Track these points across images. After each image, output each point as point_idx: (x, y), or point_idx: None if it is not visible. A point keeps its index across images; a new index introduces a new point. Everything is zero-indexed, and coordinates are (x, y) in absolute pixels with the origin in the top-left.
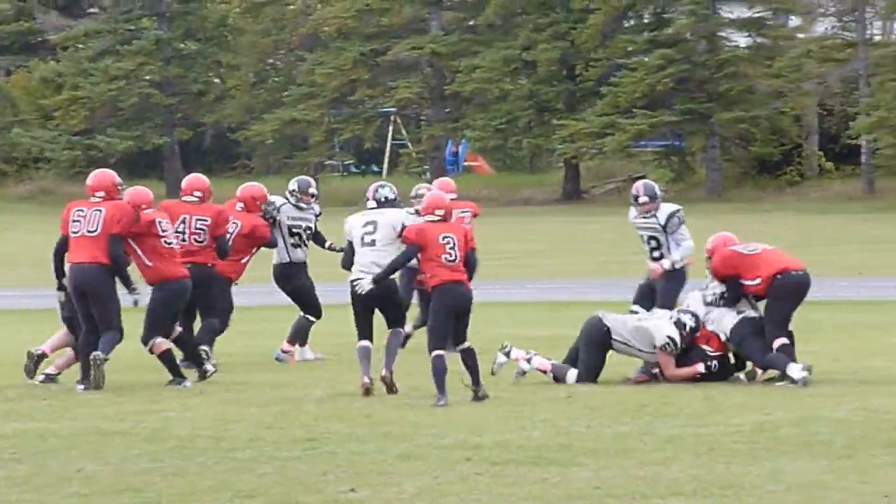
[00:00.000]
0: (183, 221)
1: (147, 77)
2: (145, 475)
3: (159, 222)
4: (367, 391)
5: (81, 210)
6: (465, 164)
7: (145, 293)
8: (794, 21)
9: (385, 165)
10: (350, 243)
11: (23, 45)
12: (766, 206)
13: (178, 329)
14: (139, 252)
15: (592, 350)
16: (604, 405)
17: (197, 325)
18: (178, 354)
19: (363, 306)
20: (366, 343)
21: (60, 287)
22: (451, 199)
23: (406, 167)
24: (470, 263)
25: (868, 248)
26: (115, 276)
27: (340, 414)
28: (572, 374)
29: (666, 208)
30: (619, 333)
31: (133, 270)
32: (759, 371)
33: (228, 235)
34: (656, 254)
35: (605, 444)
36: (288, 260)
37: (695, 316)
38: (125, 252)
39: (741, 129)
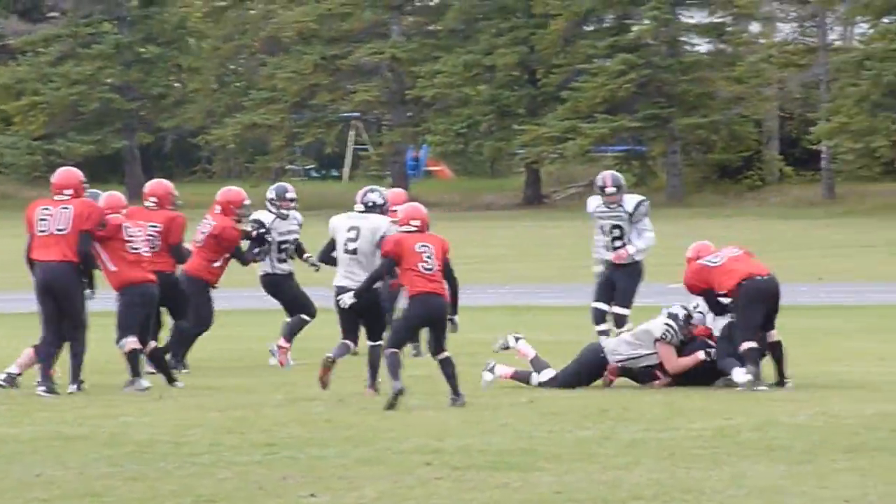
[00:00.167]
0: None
1: (108, 81)
2: (105, 480)
3: (125, 227)
4: (327, 370)
5: (48, 209)
6: (427, 168)
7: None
8: (755, 27)
9: (346, 170)
10: (332, 241)
11: None
12: (728, 211)
13: (153, 343)
14: (104, 257)
15: (582, 369)
16: (566, 410)
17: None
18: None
19: (346, 313)
20: (348, 342)
21: None
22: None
23: (367, 172)
24: (451, 280)
25: (828, 253)
26: (83, 272)
27: (301, 418)
28: (548, 372)
29: (632, 198)
30: (620, 354)
31: (99, 276)
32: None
33: (202, 236)
34: (618, 243)
35: (567, 448)
36: (272, 272)
37: (685, 308)
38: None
39: (700, 133)
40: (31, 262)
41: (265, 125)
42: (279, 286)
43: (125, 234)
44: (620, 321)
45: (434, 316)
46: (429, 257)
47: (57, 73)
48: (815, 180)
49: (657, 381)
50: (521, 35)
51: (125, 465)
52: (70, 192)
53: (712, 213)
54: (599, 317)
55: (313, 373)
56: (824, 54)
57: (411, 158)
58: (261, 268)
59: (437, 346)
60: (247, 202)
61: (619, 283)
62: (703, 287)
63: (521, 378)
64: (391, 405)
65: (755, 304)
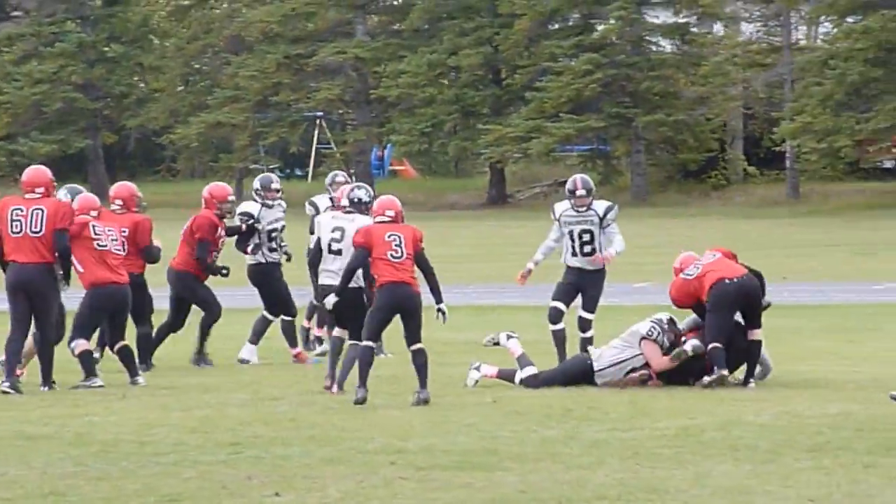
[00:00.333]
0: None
1: (71, 80)
2: (70, 479)
3: (93, 227)
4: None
5: (20, 209)
6: (391, 168)
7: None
8: (719, 27)
9: (310, 169)
10: (318, 241)
11: None
12: (692, 210)
13: (122, 343)
14: (73, 258)
15: (567, 374)
16: (530, 410)
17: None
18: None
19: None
20: (340, 332)
21: None
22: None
23: (331, 170)
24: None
25: (793, 252)
26: (60, 270)
27: (265, 418)
28: (530, 369)
29: (602, 203)
30: (607, 360)
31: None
32: (725, 373)
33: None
34: (588, 248)
35: (531, 448)
36: (264, 261)
37: (669, 314)
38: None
39: (663, 132)
40: (4, 264)
41: (229, 124)
42: (267, 276)
43: (91, 233)
44: (585, 325)
45: (403, 305)
46: (398, 245)
47: (20, 72)
48: (779, 180)
49: (650, 381)
50: (486, 35)
51: (89, 465)
52: (41, 190)
53: (677, 213)
54: (557, 316)
55: (277, 372)
56: (788, 54)
57: (375, 158)
58: (250, 256)
59: (409, 336)
60: (231, 198)
61: (589, 290)
62: (689, 301)
63: (506, 376)
64: (357, 402)
65: (723, 308)
